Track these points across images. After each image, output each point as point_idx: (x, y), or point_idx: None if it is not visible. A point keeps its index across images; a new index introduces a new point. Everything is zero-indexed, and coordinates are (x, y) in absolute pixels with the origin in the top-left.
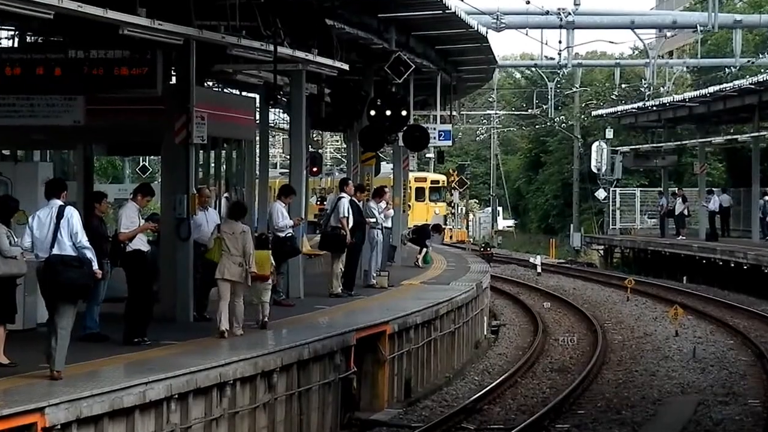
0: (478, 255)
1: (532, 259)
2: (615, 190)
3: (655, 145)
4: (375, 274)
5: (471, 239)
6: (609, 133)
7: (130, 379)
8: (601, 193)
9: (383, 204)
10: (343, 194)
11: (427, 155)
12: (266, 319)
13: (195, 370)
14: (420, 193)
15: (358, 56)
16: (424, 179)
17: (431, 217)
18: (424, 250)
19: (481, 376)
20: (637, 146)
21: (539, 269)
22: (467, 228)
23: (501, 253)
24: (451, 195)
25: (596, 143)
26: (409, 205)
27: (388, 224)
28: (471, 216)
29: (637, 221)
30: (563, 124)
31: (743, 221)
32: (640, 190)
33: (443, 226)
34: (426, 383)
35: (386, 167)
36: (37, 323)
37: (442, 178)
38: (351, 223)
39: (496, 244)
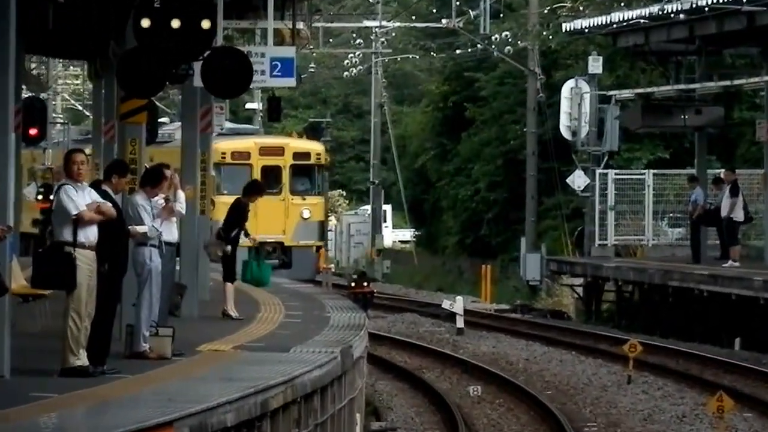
0: (346, 295)
1: (447, 304)
2: (606, 173)
3: (682, 86)
4: (148, 333)
5: (332, 265)
6: (594, 65)
7: None
8: (578, 179)
9: (161, 199)
10: (65, 182)
11: (249, 105)
12: None
13: None
14: (272, 179)
15: None
16: (279, 150)
17: (293, 226)
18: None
19: None
20: (649, 88)
21: (460, 322)
22: (325, 245)
23: (389, 292)
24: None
25: (569, 83)
26: (213, 201)
27: (172, 236)
28: (333, 222)
29: (647, 231)
30: (507, 47)
31: None
32: (654, 174)
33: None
34: None
35: (171, 128)
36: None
37: (315, 147)
38: (96, 237)
39: (380, 275)
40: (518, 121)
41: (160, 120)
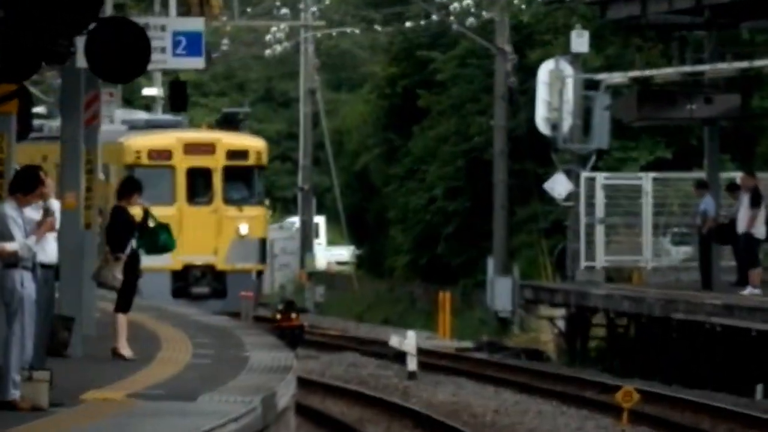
0: (270, 329)
1: (396, 341)
2: (594, 178)
3: (688, 69)
4: (19, 378)
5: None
6: (578, 42)
7: None
8: (559, 185)
9: (34, 212)
10: None
11: (147, 92)
12: None
13: None
14: (200, 185)
15: None
16: (209, 147)
17: (227, 245)
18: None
19: None
20: (648, 71)
21: (412, 364)
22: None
23: (323, 326)
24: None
25: (548, 64)
26: (102, 212)
27: (48, 257)
28: None
29: (645, 250)
30: (470, 20)
31: None
32: (654, 178)
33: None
34: None
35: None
36: None
37: (254, 144)
38: None
39: (311, 305)
40: (484, 111)
41: (39, 108)
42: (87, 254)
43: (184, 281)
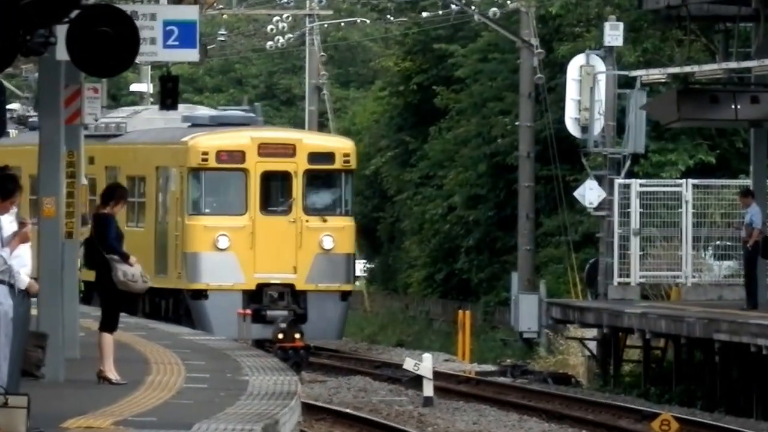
0: (272, 350)
1: (410, 364)
2: (629, 185)
3: (733, 65)
4: None
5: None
6: (612, 35)
7: None
8: (590, 192)
9: (12, 218)
10: None
11: (135, 87)
12: None
13: None
14: (277, 191)
15: None
16: (288, 148)
17: (309, 261)
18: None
19: None
20: (688, 68)
21: (429, 389)
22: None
23: (331, 347)
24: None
25: (578, 59)
26: (86, 220)
27: (23, 278)
28: None
29: (684, 265)
30: (493, 10)
31: None
32: (694, 185)
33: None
34: None
35: (121, 117)
36: None
37: (341, 145)
38: None
39: None
40: (508, 111)
41: (14, 105)
42: (68, 267)
43: (257, 303)
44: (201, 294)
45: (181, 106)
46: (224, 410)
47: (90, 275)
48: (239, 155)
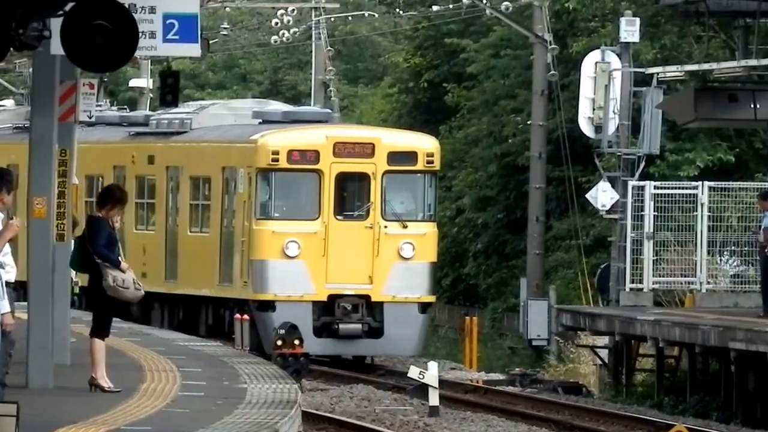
0: (271, 357)
1: (415, 372)
2: (643, 187)
3: (753, 62)
4: None
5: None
6: (629, 30)
7: None
8: (603, 195)
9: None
10: None
11: (134, 83)
12: None
13: None
14: (353, 194)
15: None
16: (367, 148)
17: (388, 271)
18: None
19: None
20: (706, 65)
21: (434, 398)
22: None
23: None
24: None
25: (593, 56)
26: (76, 220)
27: (8, 277)
28: None
29: (699, 270)
30: (506, 4)
31: None
32: (711, 187)
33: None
34: None
35: (183, 113)
36: None
37: (424, 144)
38: None
39: None
40: (520, 109)
41: (7, 102)
42: (59, 270)
43: (329, 315)
44: (268, 305)
45: (251, 101)
46: (222, 419)
47: (86, 279)
48: (313, 155)
